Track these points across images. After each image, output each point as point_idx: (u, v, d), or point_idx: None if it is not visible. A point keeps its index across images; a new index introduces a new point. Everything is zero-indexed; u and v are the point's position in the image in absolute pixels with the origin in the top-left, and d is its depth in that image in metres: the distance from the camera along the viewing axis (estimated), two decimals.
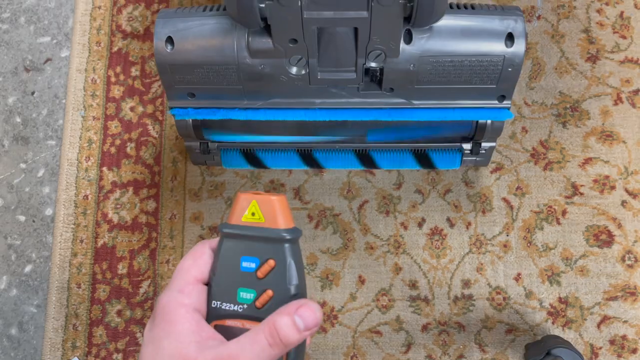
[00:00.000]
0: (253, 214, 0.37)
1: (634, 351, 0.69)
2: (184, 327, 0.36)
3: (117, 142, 0.78)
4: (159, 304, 0.37)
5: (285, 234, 0.37)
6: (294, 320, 0.35)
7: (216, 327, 0.38)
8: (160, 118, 0.78)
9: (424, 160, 0.71)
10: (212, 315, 0.38)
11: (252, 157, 0.71)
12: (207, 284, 0.39)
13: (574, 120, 0.76)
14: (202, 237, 0.74)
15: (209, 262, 0.39)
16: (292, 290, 0.37)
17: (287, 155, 0.71)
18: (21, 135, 0.79)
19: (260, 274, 0.37)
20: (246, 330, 0.37)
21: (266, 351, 0.34)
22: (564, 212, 0.73)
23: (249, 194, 0.38)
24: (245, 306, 0.38)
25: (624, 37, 0.78)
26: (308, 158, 0.72)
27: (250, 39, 0.56)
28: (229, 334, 0.37)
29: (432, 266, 0.72)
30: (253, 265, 0.37)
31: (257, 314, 0.37)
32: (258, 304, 0.37)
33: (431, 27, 0.56)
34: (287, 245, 0.37)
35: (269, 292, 0.37)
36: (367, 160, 0.72)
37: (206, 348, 0.35)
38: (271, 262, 0.37)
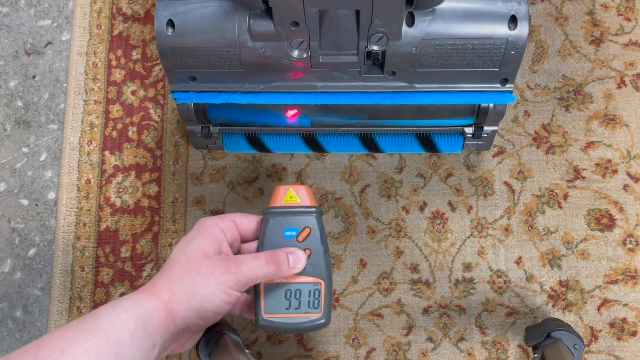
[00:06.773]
0: (291, 197, 0.49)
1: (634, 334, 0.69)
2: (214, 235, 0.47)
3: (119, 126, 0.78)
4: (199, 221, 0.48)
5: (316, 209, 0.49)
6: (287, 256, 0.47)
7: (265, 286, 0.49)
8: (162, 102, 0.78)
9: (426, 144, 0.71)
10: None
11: (255, 141, 0.71)
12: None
13: (577, 104, 0.76)
14: None
15: (234, 226, 0.49)
16: (324, 248, 0.49)
17: (290, 139, 0.71)
18: (23, 119, 0.79)
19: (300, 238, 0.49)
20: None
21: (263, 266, 0.46)
22: (565, 196, 0.73)
23: (286, 185, 0.50)
24: None
25: (628, 20, 0.78)
26: (312, 142, 0.71)
27: (251, 22, 0.56)
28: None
29: (433, 250, 0.72)
30: (294, 233, 0.49)
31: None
32: None
33: (434, 10, 0.56)
34: (318, 217, 0.49)
35: (307, 252, 0.48)
36: (370, 144, 0.72)
37: (222, 254, 0.47)
38: (307, 230, 0.49)
